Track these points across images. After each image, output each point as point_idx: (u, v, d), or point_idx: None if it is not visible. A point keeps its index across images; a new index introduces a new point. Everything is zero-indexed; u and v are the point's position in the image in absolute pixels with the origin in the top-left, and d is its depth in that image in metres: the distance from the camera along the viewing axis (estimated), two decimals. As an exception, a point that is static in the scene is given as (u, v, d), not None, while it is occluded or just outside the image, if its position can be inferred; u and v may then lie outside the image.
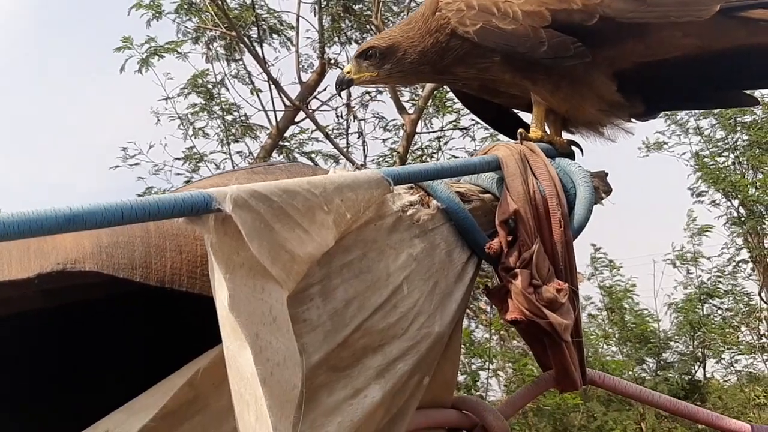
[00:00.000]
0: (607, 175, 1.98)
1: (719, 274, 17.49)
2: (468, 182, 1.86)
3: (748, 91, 2.23)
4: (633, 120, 2.14)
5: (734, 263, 17.53)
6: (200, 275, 1.40)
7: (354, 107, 11.15)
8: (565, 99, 2.00)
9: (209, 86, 11.47)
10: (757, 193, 16.49)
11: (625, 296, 17.23)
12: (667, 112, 16.76)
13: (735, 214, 17.05)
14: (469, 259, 1.77)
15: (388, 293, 1.56)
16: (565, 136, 2.08)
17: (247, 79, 11.33)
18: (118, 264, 1.34)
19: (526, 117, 2.18)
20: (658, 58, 2.04)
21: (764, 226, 16.96)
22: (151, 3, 10.84)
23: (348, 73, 2.18)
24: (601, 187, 1.94)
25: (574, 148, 2.06)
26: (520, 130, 1.95)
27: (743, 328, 18.21)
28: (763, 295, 17.42)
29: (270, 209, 1.32)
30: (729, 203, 16.98)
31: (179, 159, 11.70)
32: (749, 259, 17.48)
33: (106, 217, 1.16)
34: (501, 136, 2.32)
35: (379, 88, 10.92)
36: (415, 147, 10.92)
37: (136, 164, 11.88)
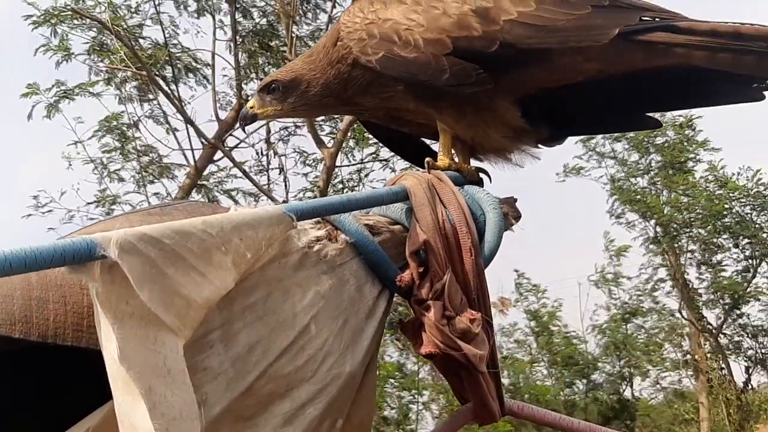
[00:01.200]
0: (516, 200, 1.96)
1: (640, 293, 17.96)
2: (377, 214, 1.81)
3: (651, 114, 2.26)
4: (540, 146, 2.14)
5: (653, 282, 18.02)
6: (87, 327, 1.31)
7: (274, 143, 11.08)
8: (470, 126, 1.99)
9: (124, 128, 11.24)
10: (671, 212, 17.02)
11: (551, 320, 17.49)
12: (582, 137, 17.25)
13: (651, 234, 17.55)
14: (381, 294, 1.71)
15: (295, 335, 1.49)
16: (474, 163, 2.06)
17: (163, 119, 11.15)
18: (-6, 319, 1.24)
19: (436, 146, 2.15)
20: (562, 84, 2.05)
21: (680, 243, 17.48)
22: (60, 45, 10.58)
23: (251, 108, 2.12)
24: (510, 213, 1.92)
25: (482, 175, 2.04)
26: (427, 159, 1.92)
27: (667, 346, 18.68)
28: (683, 312, 17.91)
29: (162, 253, 1.25)
30: (645, 223, 17.47)
31: (91, 203, 11.38)
32: (667, 277, 17.99)
33: (-25, 271, 1.07)
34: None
35: (297, 123, 10.89)
36: (336, 180, 10.90)
37: (49, 212, 11.49)
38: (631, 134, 16.90)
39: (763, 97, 2.06)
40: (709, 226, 16.99)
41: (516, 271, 17.53)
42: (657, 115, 2.29)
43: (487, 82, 1.90)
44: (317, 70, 2.02)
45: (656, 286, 18.08)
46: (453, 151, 2.02)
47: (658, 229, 17.31)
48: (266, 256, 1.47)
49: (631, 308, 17.84)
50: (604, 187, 17.59)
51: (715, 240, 17.31)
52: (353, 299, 1.64)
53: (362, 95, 2.02)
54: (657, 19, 1.97)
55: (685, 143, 17.29)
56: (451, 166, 1.96)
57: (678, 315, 17.99)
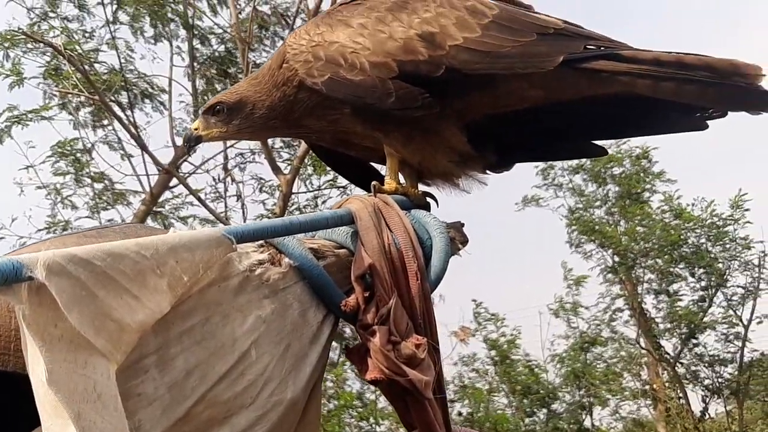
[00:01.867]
0: (463, 225, 1.95)
1: (598, 322, 18.09)
2: (322, 237, 1.79)
3: (598, 142, 2.28)
4: (488, 172, 2.14)
5: (611, 311, 18.17)
6: (14, 351, 1.27)
7: (231, 169, 11.01)
8: (416, 150, 1.98)
9: (77, 154, 11.08)
10: (627, 242, 17.22)
11: (510, 348, 17.52)
12: (540, 168, 17.46)
13: (609, 264, 17.72)
14: (326, 319, 1.69)
15: (234, 360, 1.45)
16: (421, 187, 2.05)
17: (117, 145, 11.02)
18: None
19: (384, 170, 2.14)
20: (508, 110, 2.06)
21: (637, 273, 17.68)
22: (13, 69, 10.42)
23: (196, 129, 2.10)
24: (457, 237, 1.91)
25: (429, 199, 2.04)
26: (373, 182, 1.91)
27: (626, 375, 18.80)
28: (641, 341, 18.06)
29: (92, 275, 1.21)
30: (602, 253, 17.65)
31: (42, 230, 11.17)
32: (625, 307, 18.16)
33: None
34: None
35: (254, 149, 10.85)
36: (293, 207, 10.85)
37: (1, 239, 11.25)
38: (589, 165, 17.14)
39: (706, 126, 2.09)
40: (666, 256, 17.23)
41: (474, 300, 17.58)
42: (612, 144, 2.32)
43: (433, 106, 1.90)
44: (263, 93, 2.00)
45: (614, 316, 18.24)
46: (400, 175, 2.01)
47: (616, 258, 17.51)
48: (205, 279, 1.44)
49: (589, 337, 17.95)
50: (562, 218, 17.78)
51: (671, 269, 17.54)
52: (296, 324, 1.61)
53: (308, 117, 2.01)
54: (602, 48, 2.00)
55: (642, 174, 17.56)
56: (398, 190, 1.94)
57: (636, 344, 18.15)
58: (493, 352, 17.43)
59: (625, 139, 14.79)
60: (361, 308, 1.67)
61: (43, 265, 1.14)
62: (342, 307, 1.66)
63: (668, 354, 17.90)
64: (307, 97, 1.97)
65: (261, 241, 1.63)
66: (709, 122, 2.07)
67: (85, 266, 1.20)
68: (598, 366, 18.49)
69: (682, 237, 16.99)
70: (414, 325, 1.70)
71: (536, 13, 2.06)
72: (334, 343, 1.80)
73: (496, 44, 1.91)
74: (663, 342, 17.97)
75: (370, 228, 1.72)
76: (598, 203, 17.81)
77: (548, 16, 2.03)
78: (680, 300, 17.68)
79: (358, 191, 2.03)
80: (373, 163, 2.25)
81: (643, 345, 18.02)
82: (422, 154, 1.99)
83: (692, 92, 1.97)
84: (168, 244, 1.34)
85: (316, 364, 1.64)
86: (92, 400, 1.18)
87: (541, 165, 16.93)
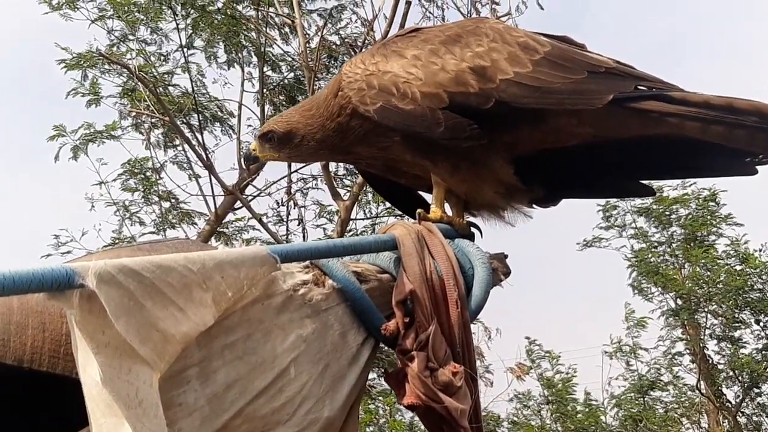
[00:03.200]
0: (506, 257, 1.97)
1: (658, 366, 17.63)
2: (367, 262, 1.83)
3: (645, 181, 2.27)
4: (534, 206, 2.15)
5: (670, 355, 17.71)
6: (63, 355, 1.33)
7: (293, 194, 11.16)
8: (463, 180, 2.01)
9: (147, 173, 11.39)
10: (691, 286, 16.80)
11: (565, 388, 17.19)
12: (603, 208, 17.22)
13: (670, 307, 17.30)
14: (366, 341, 1.72)
15: (274, 376, 1.49)
16: (467, 218, 2.08)
17: (187, 165, 11.29)
18: (-29, 342, 1.26)
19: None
20: (556, 145, 2.08)
21: (699, 317, 17.23)
22: (92, 88, 10.82)
23: (254, 150, 2.18)
24: (500, 268, 1.93)
25: (474, 230, 2.05)
26: (418, 210, 1.94)
27: (685, 421, 18.26)
28: (701, 387, 17.55)
29: (141, 285, 1.26)
30: (664, 296, 17.25)
31: (109, 245, 11.44)
32: (686, 351, 17.68)
33: (-47, 291, 1.09)
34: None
35: (314, 174, 11.01)
36: (350, 233, 10.92)
37: (68, 252, 11.56)
38: (654, 206, 16.85)
39: (755, 172, 2.07)
40: (730, 302, 16.75)
41: (527, 338, 17.34)
42: (678, 184, 2.32)
43: (480, 138, 1.93)
44: (314, 126, 2.09)
45: (675, 360, 17.78)
46: (446, 204, 2.05)
47: (678, 301, 17.09)
48: (249, 296, 1.48)
49: (649, 381, 17.51)
50: (625, 258, 17.43)
51: (735, 315, 17.03)
52: (336, 345, 1.64)
53: (359, 144, 2.07)
54: (653, 89, 2.00)
55: (708, 217, 17.16)
56: (442, 219, 1.98)
57: (696, 390, 17.63)
58: (546, 391, 17.12)
59: (692, 180, 14.52)
60: (401, 333, 1.69)
61: (94, 273, 1.19)
62: (382, 331, 1.69)
63: (729, 402, 17.33)
64: (359, 124, 2.02)
65: (306, 262, 1.67)
66: (759, 168, 2.05)
67: (135, 277, 1.25)
68: (657, 410, 18.01)
69: (748, 282, 16.50)
70: (452, 353, 1.72)
71: (589, 51, 2.07)
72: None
73: (546, 80, 1.94)
74: (724, 389, 17.42)
75: (412, 254, 1.75)
76: (662, 246, 17.42)
77: (600, 55, 2.04)
78: (744, 347, 17.14)
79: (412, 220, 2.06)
80: (421, 192, 2.29)
81: (703, 391, 17.49)
82: (468, 184, 2.02)
83: (742, 137, 1.96)
84: (215, 259, 1.39)
85: (354, 385, 1.67)
86: (134, 406, 1.22)
87: (603, 203, 16.69)
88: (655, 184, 2.26)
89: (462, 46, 2.00)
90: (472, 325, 1.80)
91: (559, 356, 17.25)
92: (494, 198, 2.05)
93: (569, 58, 2.00)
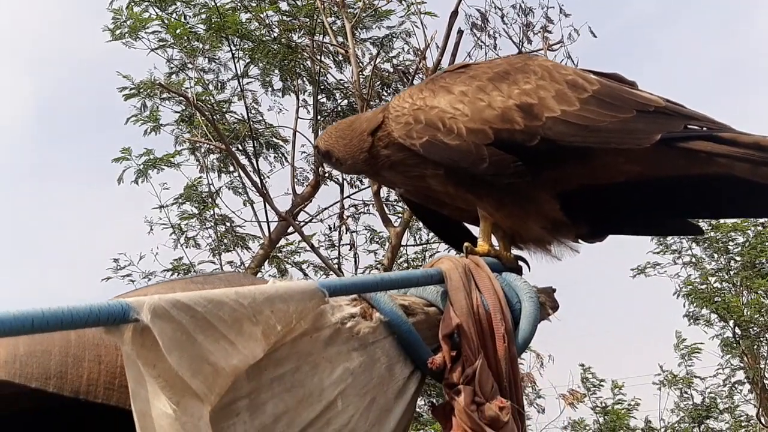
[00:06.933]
0: (554, 291, 1.97)
1: (714, 395, 17.21)
2: (414, 295, 1.85)
3: (693, 220, 2.26)
4: (580, 240, 2.15)
5: (730, 384, 17.27)
6: (118, 386, 1.37)
7: (346, 219, 11.23)
8: (508, 215, 2.02)
9: (203, 196, 11.59)
10: (750, 314, 16.39)
11: (625, 416, 16.87)
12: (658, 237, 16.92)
13: (729, 335, 16.89)
14: (412, 374, 1.73)
15: (321, 408, 1.52)
16: (514, 251, 2.08)
17: (242, 190, 11.46)
18: (31, 374, 1.31)
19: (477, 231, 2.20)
20: (602, 182, 2.07)
21: (759, 346, 16.77)
22: (151, 116, 11.09)
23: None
24: (548, 303, 1.93)
25: (521, 263, 2.06)
26: (466, 243, 1.96)
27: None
28: (762, 418, 17.05)
29: (193, 320, 1.30)
30: (723, 324, 16.85)
31: (168, 270, 11.66)
32: (745, 380, 17.22)
33: (15, 326, 1.13)
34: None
35: (366, 201, 11.08)
36: (401, 259, 10.92)
37: (128, 275, 11.79)
38: (711, 233, 16.53)
39: None
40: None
41: (581, 365, 17.05)
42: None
43: (524, 174, 1.94)
44: (347, 154, 2.17)
45: (733, 389, 17.32)
46: (494, 238, 2.05)
47: (737, 330, 16.68)
48: (298, 329, 1.51)
49: (704, 410, 17.09)
50: (680, 287, 17.08)
51: (797, 345, 16.55)
52: (383, 378, 1.66)
53: (388, 170, 2.14)
54: (703, 128, 1.99)
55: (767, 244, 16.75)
56: (490, 252, 1.98)
57: (756, 419, 17.13)
58: (602, 419, 16.80)
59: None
60: (448, 367, 1.70)
61: (148, 308, 1.24)
62: (429, 365, 1.70)
63: (789, 435, 16.78)
64: (402, 156, 2.06)
65: (354, 295, 1.70)
66: None
67: (187, 311, 1.29)
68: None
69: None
70: (499, 388, 1.72)
71: (639, 90, 2.07)
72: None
73: (593, 118, 1.94)
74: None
75: (459, 288, 1.76)
76: (719, 273, 17.04)
77: (651, 93, 2.04)
78: (804, 380, 16.61)
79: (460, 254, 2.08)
80: (466, 224, 2.30)
81: (763, 423, 16.98)
82: (514, 219, 2.03)
83: None
84: (265, 294, 1.42)
85: (400, 418, 1.68)
86: (184, 437, 1.26)
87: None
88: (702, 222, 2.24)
89: (509, 83, 2.01)
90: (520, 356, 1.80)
91: (623, 386, 16.94)
92: (540, 233, 2.06)
93: (618, 96, 2.00)
